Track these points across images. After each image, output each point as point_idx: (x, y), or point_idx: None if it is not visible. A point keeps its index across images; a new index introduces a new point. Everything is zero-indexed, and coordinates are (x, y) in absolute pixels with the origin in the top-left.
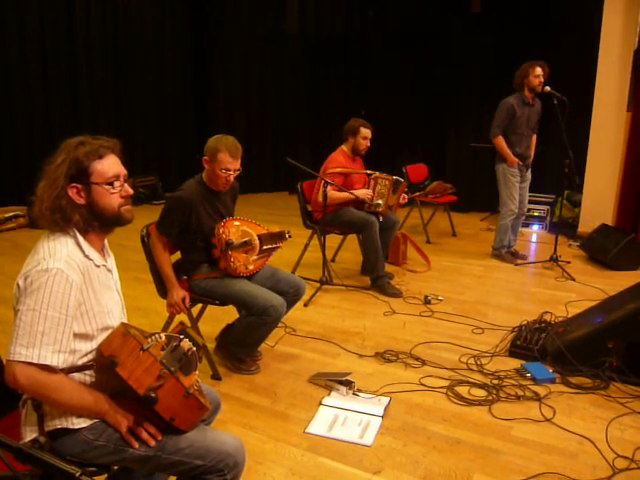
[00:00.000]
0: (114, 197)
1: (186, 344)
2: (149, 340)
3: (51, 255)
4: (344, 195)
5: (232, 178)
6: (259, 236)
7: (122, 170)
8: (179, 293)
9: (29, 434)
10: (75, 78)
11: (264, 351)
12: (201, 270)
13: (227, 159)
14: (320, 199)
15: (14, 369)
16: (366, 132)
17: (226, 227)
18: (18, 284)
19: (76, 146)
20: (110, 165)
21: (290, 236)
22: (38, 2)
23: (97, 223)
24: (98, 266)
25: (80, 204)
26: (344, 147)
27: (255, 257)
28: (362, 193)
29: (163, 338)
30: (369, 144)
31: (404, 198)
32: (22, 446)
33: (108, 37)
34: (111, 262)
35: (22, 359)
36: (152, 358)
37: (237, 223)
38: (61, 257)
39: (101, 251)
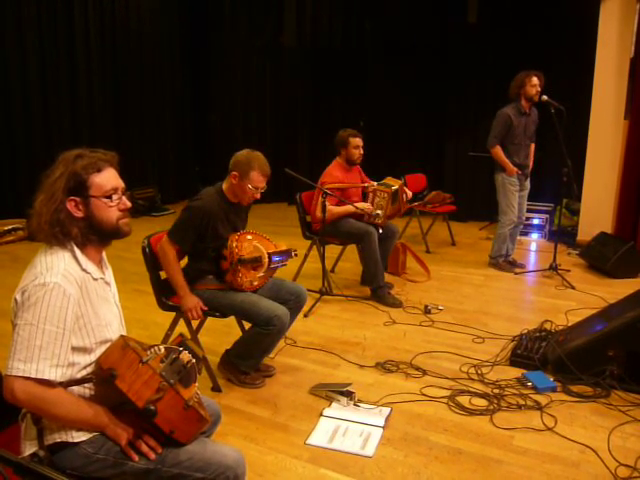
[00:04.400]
0: (112, 210)
1: (185, 356)
2: (148, 352)
3: (48, 269)
4: (343, 209)
5: (259, 195)
6: (269, 254)
7: (120, 183)
8: (193, 299)
9: (28, 448)
10: (74, 91)
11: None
12: (206, 281)
13: (259, 178)
14: (319, 214)
15: (12, 384)
16: (356, 141)
17: (240, 241)
18: (16, 299)
19: (74, 159)
20: (108, 178)
21: (296, 255)
22: (37, 19)
23: (95, 236)
24: (96, 279)
25: (78, 217)
26: (339, 159)
27: (262, 274)
28: (361, 206)
29: (162, 350)
30: (362, 152)
31: (408, 195)
32: (21, 460)
33: (107, 51)
34: (109, 275)
35: (20, 374)
36: (151, 371)
37: (250, 237)
38: (58, 271)
39: (99, 264)
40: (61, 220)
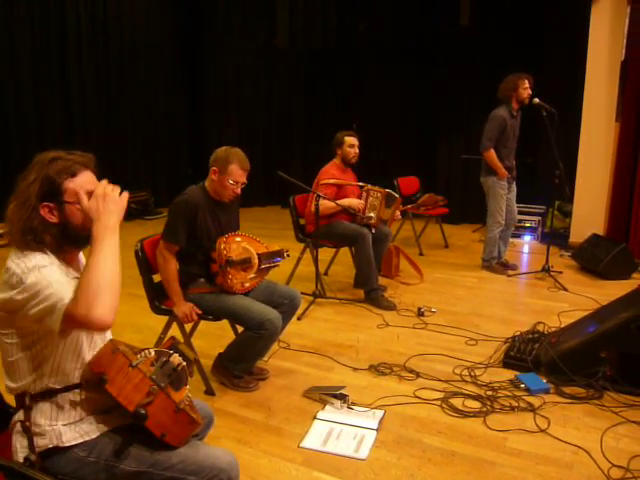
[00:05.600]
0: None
1: (176, 359)
2: (138, 356)
3: (21, 265)
4: (335, 204)
5: (239, 190)
6: (259, 255)
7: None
8: (187, 304)
9: (20, 455)
10: (67, 93)
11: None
12: (198, 284)
13: (238, 172)
14: (313, 210)
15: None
16: (351, 140)
17: (227, 243)
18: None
19: (48, 163)
20: (83, 183)
21: (288, 255)
22: (29, 18)
23: (69, 243)
24: (75, 278)
25: (52, 223)
26: (335, 160)
27: (253, 275)
28: (354, 203)
29: (152, 354)
30: (357, 151)
31: (397, 215)
32: (13, 464)
33: (100, 53)
34: None
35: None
36: (141, 374)
37: (238, 239)
38: (33, 259)
39: (75, 265)
40: (34, 227)
